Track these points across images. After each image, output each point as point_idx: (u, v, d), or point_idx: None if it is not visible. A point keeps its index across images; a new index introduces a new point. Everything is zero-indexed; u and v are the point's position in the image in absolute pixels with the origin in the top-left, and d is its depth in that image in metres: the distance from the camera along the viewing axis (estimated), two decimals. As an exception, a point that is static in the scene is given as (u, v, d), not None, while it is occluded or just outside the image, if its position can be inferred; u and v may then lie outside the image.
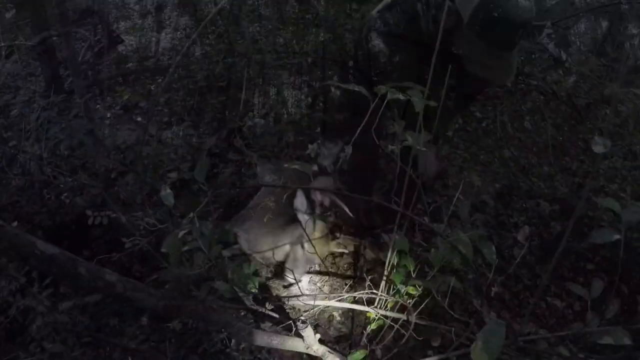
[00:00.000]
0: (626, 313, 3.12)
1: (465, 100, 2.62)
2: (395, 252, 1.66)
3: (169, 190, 1.50)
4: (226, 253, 2.21)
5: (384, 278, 1.70)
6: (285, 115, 3.68)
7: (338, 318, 2.68)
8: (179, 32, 6.04)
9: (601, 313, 1.50)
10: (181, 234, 1.38)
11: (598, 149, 1.09)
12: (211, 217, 1.63)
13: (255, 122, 3.45)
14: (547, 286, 3.15)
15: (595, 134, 4.31)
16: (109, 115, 4.86)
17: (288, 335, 1.85)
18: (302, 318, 1.79)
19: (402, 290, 1.65)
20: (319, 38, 4.41)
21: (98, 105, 5.04)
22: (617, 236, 1.28)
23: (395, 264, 1.68)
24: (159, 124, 4.51)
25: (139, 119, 4.81)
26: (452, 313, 1.69)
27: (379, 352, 1.96)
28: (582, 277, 3.35)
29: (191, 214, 1.44)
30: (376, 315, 1.74)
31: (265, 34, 5.61)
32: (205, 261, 1.66)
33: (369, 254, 2.87)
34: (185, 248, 1.78)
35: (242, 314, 2.56)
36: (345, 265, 2.99)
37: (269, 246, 2.63)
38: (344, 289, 2.73)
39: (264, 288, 2.73)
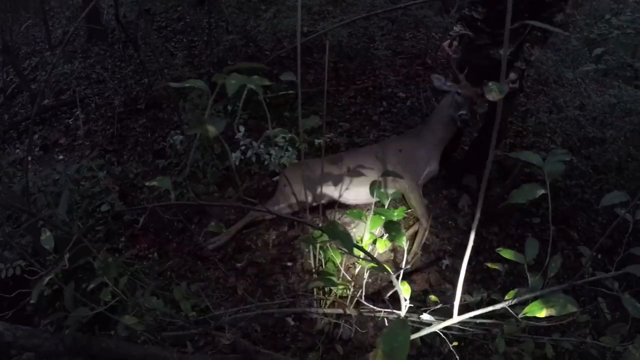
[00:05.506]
0: (576, 261, 3.17)
1: None
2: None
3: (48, 234, 1.35)
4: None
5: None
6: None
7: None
8: (91, 59, 5.80)
9: (544, 272, 1.43)
10: (47, 279, 1.24)
11: (492, 95, 0.97)
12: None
13: (174, 140, 3.29)
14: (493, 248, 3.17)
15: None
16: (29, 158, 4.59)
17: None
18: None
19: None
20: (232, 43, 4.30)
21: (17, 150, 4.76)
22: (541, 191, 1.16)
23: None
24: (80, 158, 4.28)
25: (61, 157, 4.55)
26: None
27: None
28: (530, 231, 3.38)
29: (66, 255, 1.30)
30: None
31: (182, 47, 5.46)
32: (111, 295, 1.52)
33: None
34: (92, 285, 1.64)
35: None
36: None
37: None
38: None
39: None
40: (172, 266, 3.06)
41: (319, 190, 2.81)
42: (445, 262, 3.01)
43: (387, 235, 1.35)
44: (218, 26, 5.18)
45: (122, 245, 3.29)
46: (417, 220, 3.05)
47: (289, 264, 2.93)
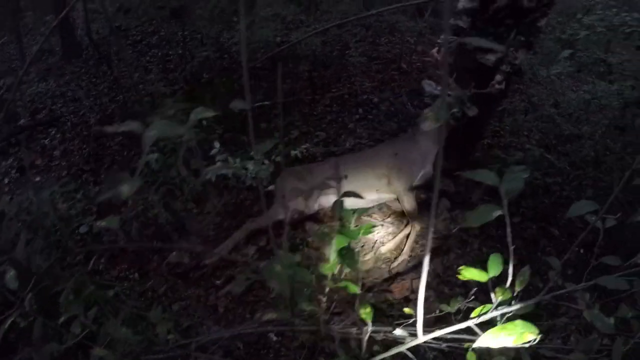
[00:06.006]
0: (560, 255, 3.19)
1: None
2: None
3: (12, 273, 1.32)
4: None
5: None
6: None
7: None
8: (66, 77, 5.73)
9: (512, 287, 1.40)
10: (9, 321, 1.21)
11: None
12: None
13: (149, 158, 3.25)
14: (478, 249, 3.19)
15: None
16: (6, 181, 4.53)
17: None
18: None
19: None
20: (206, 56, 4.28)
21: (-6, 173, 4.68)
22: (497, 213, 1.04)
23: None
24: (57, 178, 4.22)
25: (38, 178, 4.48)
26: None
27: None
28: (511, 231, 3.39)
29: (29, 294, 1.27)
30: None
31: (157, 62, 5.42)
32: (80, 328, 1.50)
33: None
34: (62, 319, 1.61)
35: None
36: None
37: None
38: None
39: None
40: (153, 286, 3.02)
41: (319, 197, 2.85)
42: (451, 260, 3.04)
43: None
44: (193, 39, 5.16)
45: (102, 266, 3.26)
46: (408, 223, 3.10)
47: (270, 278, 2.91)
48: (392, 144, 3.14)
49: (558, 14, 5.33)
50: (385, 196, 3.08)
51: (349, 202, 2.98)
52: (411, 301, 2.77)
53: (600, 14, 4.43)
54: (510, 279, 1.17)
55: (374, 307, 1.31)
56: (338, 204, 1.51)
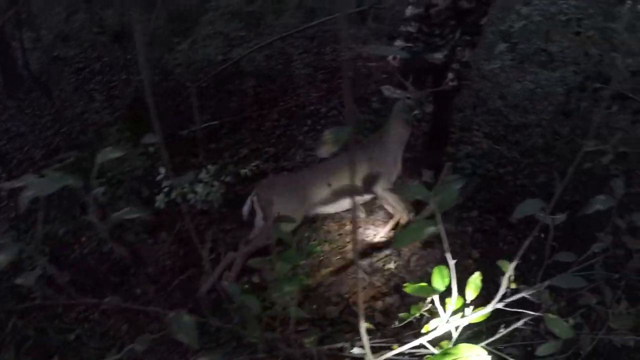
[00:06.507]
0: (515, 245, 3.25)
1: None
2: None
3: None
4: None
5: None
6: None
7: None
8: (10, 111, 5.52)
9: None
10: None
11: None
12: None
13: (95, 192, 3.14)
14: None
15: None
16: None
17: None
18: None
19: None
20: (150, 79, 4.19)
21: None
22: (431, 230, 0.95)
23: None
24: (7, 220, 4.05)
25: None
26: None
27: None
28: (470, 225, 3.45)
29: None
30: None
31: (101, 88, 5.29)
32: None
33: None
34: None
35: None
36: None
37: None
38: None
39: None
40: (114, 325, 2.93)
41: (305, 203, 2.90)
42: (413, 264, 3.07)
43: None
44: (137, 62, 5.04)
45: (61, 309, 3.14)
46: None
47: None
48: (363, 148, 3.24)
49: (499, 10, 5.45)
50: (367, 197, 3.20)
51: (332, 209, 3.08)
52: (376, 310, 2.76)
53: (537, 3, 4.56)
54: (454, 294, 1.13)
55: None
56: (273, 228, 1.48)
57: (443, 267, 1.27)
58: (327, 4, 5.15)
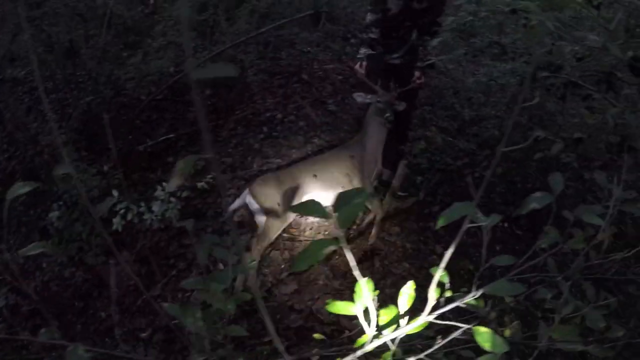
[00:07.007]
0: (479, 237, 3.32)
1: None
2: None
3: None
4: None
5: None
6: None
7: None
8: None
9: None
10: None
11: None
12: None
13: (51, 217, 3.10)
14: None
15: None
16: None
17: None
18: None
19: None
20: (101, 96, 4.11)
21: None
22: (332, 248, 0.87)
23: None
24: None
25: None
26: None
27: None
28: (433, 221, 3.51)
29: None
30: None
31: (55, 108, 5.15)
32: None
33: None
34: None
35: None
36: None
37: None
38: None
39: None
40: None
41: (296, 197, 2.99)
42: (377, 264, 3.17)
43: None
44: (91, 78, 4.93)
45: (26, 340, 3.07)
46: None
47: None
48: (345, 148, 3.44)
49: (447, 6, 5.53)
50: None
51: (319, 198, 3.05)
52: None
53: (483, -1, 4.63)
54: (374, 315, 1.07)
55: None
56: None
57: (369, 281, 1.17)
58: (280, 8, 5.14)
